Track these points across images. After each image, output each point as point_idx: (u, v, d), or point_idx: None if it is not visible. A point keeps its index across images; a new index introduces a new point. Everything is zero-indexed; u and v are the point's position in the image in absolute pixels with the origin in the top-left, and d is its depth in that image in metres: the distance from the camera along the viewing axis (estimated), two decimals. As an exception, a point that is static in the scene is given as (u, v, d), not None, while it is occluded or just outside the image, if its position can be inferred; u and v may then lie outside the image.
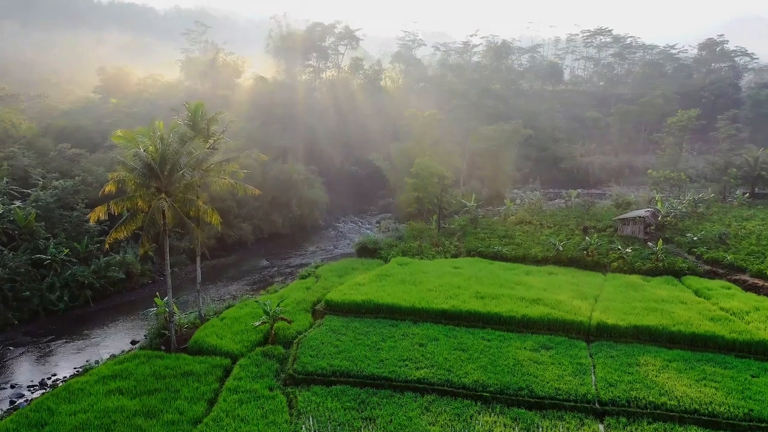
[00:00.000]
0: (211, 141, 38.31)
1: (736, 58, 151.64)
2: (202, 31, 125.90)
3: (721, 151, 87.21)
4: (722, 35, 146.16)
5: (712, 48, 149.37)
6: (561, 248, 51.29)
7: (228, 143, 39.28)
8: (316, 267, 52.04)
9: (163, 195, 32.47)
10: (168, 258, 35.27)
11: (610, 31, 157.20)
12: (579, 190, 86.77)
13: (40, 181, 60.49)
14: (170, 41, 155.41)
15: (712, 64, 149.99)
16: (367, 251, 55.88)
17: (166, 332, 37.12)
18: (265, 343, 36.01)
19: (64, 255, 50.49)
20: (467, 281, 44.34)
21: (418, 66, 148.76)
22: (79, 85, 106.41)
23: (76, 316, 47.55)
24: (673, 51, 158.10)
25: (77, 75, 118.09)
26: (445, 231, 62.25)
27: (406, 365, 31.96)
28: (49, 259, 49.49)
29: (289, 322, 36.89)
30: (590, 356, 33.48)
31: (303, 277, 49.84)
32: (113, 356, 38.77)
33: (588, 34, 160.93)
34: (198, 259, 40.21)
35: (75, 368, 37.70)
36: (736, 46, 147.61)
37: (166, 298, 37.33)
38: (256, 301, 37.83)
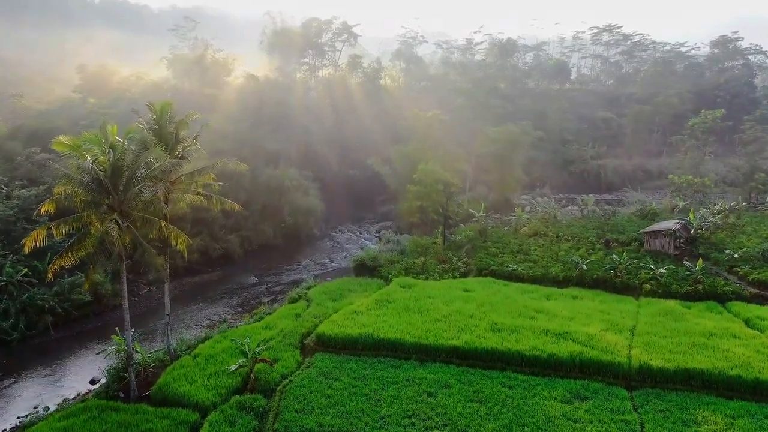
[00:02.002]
0: (179, 148, 32.37)
1: (749, 56, 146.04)
2: (191, 27, 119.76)
3: (747, 155, 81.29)
4: (737, 32, 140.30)
5: (724, 45, 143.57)
6: (585, 267, 45.33)
7: (201, 151, 33.29)
8: (308, 288, 46.07)
9: (115, 215, 26.53)
10: (125, 290, 29.33)
11: (619, 28, 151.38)
12: (592, 196, 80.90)
13: (3, 189, 54.61)
14: (166, 40, 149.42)
15: (725, 63, 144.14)
16: (366, 269, 49.90)
17: (127, 375, 31.22)
18: (243, 390, 30.15)
19: (23, 275, 44.61)
20: (480, 309, 38.42)
21: (420, 64, 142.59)
22: (61, 84, 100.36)
23: (34, 346, 41.73)
24: (683, 49, 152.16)
25: (62, 74, 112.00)
26: (452, 244, 56.32)
27: (413, 424, 26.14)
28: (4, 280, 43.59)
29: (271, 364, 31.01)
30: (635, 410, 27.57)
31: (292, 301, 43.92)
32: (65, 401, 33.05)
33: (596, 31, 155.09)
34: (166, 286, 34.28)
35: (19, 418, 31.86)
36: (751, 44, 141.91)
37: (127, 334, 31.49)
38: (233, 340, 31.91)
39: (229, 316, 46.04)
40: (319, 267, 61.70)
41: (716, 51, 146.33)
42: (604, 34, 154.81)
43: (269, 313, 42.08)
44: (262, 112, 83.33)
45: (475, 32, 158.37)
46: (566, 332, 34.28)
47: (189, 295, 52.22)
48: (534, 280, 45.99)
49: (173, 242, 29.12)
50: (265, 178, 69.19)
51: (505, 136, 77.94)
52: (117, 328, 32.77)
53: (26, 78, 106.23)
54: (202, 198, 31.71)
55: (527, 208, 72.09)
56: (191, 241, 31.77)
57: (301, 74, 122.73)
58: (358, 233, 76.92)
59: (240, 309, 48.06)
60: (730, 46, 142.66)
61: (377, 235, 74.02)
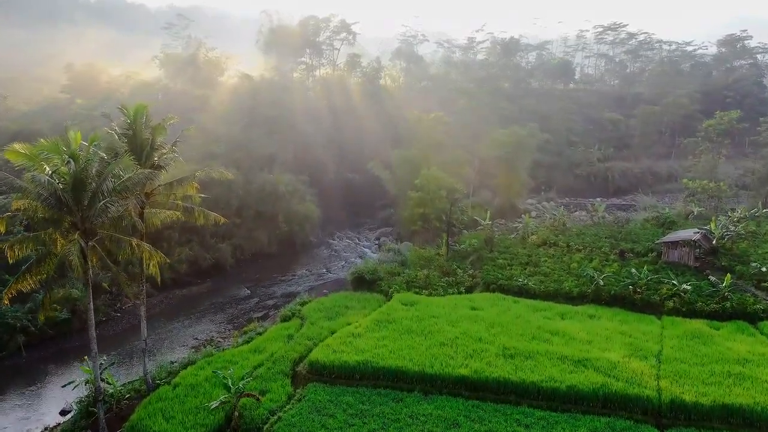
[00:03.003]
0: (156, 156, 29.03)
1: (757, 56, 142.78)
2: (184, 25, 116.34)
3: (763, 157, 77.89)
4: (745, 30, 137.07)
5: (732, 44, 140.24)
6: (601, 282, 41.97)
7: (179, 159, 29.97)
8: (302, 304, 42.72)
9: (76, 235, 23.21)
10: (92, 317, 25.95)
11: (624, 26, 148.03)
12: (601, 200, 77.66)
13: (-24, 197, 51.14)
14: (162, 39, 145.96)
15: (733, 62, 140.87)
16: (365, 282, 46.52)
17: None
18: (226, 428, 26.85)
19: (-7, 291, 41.18)
20: (490, 330, 35.09)
21: (420, 63, 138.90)
22: (49, 84, 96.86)
23: (3, 369, 38.42)
24: (689, 48, 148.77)
25: (52, 74, 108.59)
26: (456, 254, 52.99)
27: (417, 475, 22.81)
28: (-29, 297, 40.13)
29: (257, 398, 27.65)
30: (670, 455, 24.30)
31: (285, 319, 40.54)
32: (30, 438, 29.76)
33: (600, 30, 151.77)
34: (142, 309, 30.87)
35: (-25, 458, 28.60)
36: (759, 42, 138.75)
37: (100, 361, 28.20)
38: (215, 372, 28.55)
39: (217, 335, 42.69)
40: (315, 278, 58.39)
41: (723, 50, 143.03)
42: (608, 32, 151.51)
43: (259, 333, 38.76)
44: (256, 113, 79.92)
45: (477, 31, 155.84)
46: (586, 359, 30.98)
47: (175, 309, 48.94)
48: (546, 296, 42.62)
49: (146, 263, 25.76)
50: (259, 183, 65.90)
51: (512, 139, 74.63)
52: (86, 357, 29.37)
53: (13, 78, 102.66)
54: (179, 214, 28.32)
55: (534, 214, 68.97)
56: (168, 260, 28.46)
57: (298, 74, 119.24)
58: (356, 240, 73.59)
59: (229, 326, 44.71)
60: (738, 45, 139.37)
61: (377, 242, 70.83)
